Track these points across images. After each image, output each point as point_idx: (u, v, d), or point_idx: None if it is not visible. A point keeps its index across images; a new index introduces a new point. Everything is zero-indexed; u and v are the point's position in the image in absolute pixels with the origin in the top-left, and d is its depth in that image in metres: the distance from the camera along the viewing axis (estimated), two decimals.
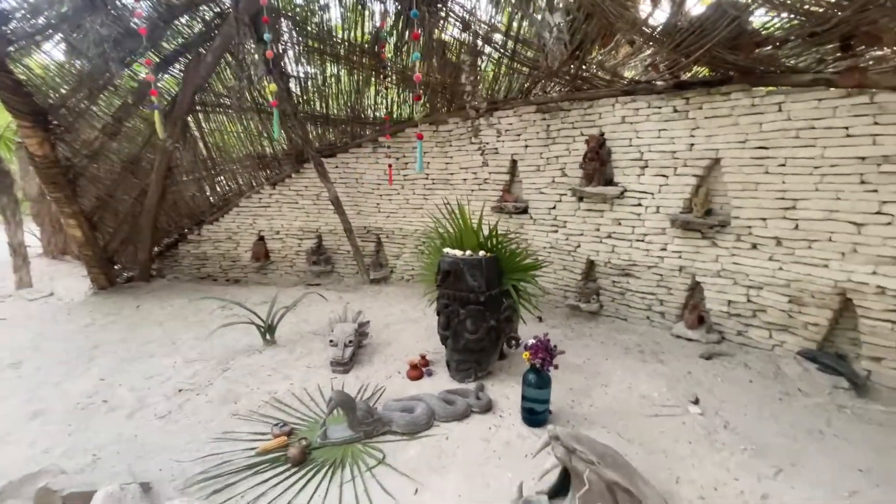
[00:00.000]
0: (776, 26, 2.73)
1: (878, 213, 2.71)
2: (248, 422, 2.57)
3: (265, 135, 5.21)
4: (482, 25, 3.81)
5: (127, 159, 4.89)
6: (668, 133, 3.54)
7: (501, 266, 2.94)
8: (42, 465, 1.97)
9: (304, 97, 5.01)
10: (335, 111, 5.16)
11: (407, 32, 4.07)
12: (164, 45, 4.15)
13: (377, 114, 5.17)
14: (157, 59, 4.15)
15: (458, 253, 2.92)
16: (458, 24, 3.75)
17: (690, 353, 3.36)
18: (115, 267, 5.57)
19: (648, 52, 3.39)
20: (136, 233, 5.42)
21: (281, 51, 4.47)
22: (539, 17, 2.15)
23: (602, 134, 3.86)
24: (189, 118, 4.87)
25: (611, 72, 3.62)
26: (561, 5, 2.05)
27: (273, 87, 2.88)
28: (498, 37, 3.97)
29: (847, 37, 2.51)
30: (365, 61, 4.65)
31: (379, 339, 3.77)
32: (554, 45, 2.08)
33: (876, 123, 2.66)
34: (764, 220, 3.17)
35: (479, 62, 3.89)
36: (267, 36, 2.75)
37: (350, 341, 3.27)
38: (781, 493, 1.95)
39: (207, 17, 4.10)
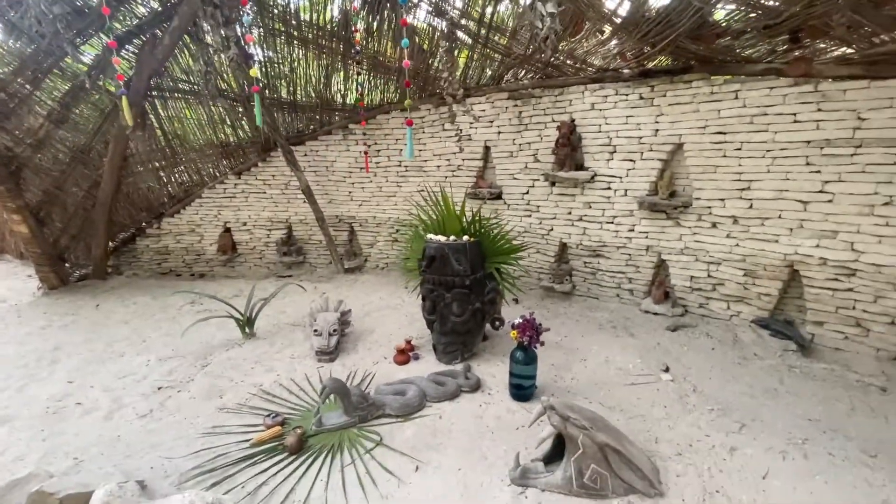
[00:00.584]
0: (734, 19, 2.92)
1: (820, 191, 3.00)
2: (238, 415, 2.54)
3: (228, 122, 5.00)
4: (455, 11, 3.82)
5: (76, 149, 4.55)
6: (634, 119, 3.71)
7: (484, 250, 3.02)
8: (17, 473, 1.87)
9: (270, 83, 4.83)
10: (302, 97, 5.01)
11: (378, 17, 4.00)
12: (117, 25, 3.87)
13: (347, 100, 5.07)
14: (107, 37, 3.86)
15: (442, 238, 2.97)
16: (431, 10, 3.73)
17: (658, 326, 3.61)
18: (67, 265, 5.21)
19: (616, 41, 3.53)
20: (88, 228, 5.09)
21: (244, 33, 4.28)
22: (531, 5, 2.18)
23: (573, 120, 3.99)
24: (145, 105, 4.59)
25: (580, 60, 3.73)
26: None
27: (254, 71, 2.78)
28: (470, 24, 3.98)
29: (796, 30, 2.73)
30: (332, 45, 4.54)
31: (361, 327, 3.78)
32: (548, 34, 2.13)
33: (819, 110, 2.92)
34: (722, 200, 3.42)
35: (454, 49, 3.89)
36: (247, 18, 2.64)
37: (334, 330, 3.26)
38: (746, 444, 2.17)
39: None
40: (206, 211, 5.49)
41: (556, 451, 2.00)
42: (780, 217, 3.19)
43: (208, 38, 3.59)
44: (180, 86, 4.74)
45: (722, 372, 2.89)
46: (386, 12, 3.88)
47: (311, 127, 5.25)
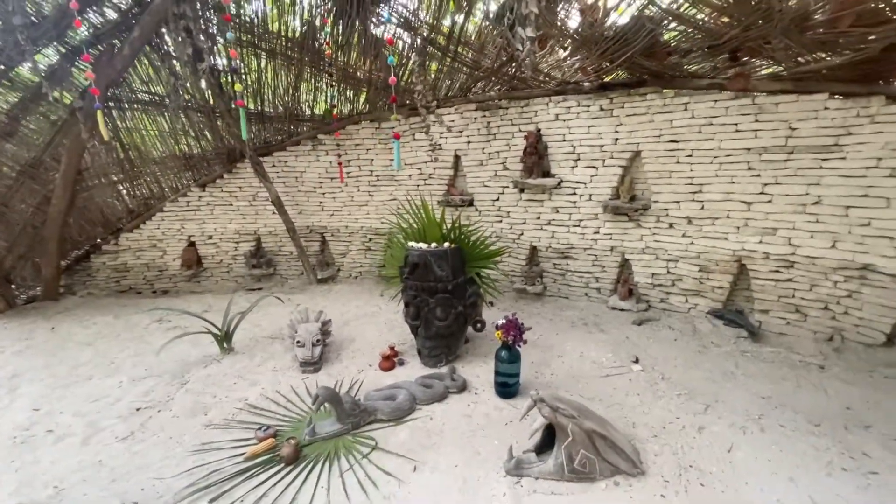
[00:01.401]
0: (682, 39, 3.23)
1: (761, 193, 3.35)
2: (226, 430, 2.51)
3: (192, 133, 4.87)
4: (425, 27, 3.95)
5: (26, 163, 4.29)
6: (596, 129, 3.98)
7: (464, 255, 3.14)
8: None
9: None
10: (270, 108, 4.96)
11: (348, 29, 4.07)
12: (72, 34, 3.70)
13: (315, 111, 5.08)
14: (64, 51, 3.70)
15: (423, 246, 3.06)
16: (401, 25, 3.84)
17: (625, 321, 3.86)
18: (13, 287, 4.86)
19: (577, 57, 3.78)
20: (37, 246, 4.78)
21: (210, 44, 4.21)
22: (511, 29, 2.34)
23: (539, 130, 4.21)
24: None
25: (544, 73, 3.96)
26: (533, 18, 2.25)
27: (238, 86, 2.76)
28: (440, 38, 4.12)
29: (735, 50, 3.06)
30: (299, 56, 4.54)
31: (341, 336, 3.79)
32: (528, 55, 2.29)
33: (757, 121, 3.27)
34: (677, 202, 3.73)
35: (425, 62, 4.02)
36: (230, 35, 2.64)
37: (317, 340, 3.27)
38: (711, 423, 2.40)
39: (124, 7, 3.73)
40: (169, 225, 5.29)
41: (546, 442, 2.14)
42: (727, 217, 3.53)
43: (172, 50, 3.51)
44: (139, 96, 4.58)
45: (685, 360, 3.15)
46: (356, 25, 3.95)
47: (279, 137, 5.21)
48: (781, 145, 3.20)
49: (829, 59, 2.82)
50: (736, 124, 3.35)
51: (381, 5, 3.74)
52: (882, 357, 2.98)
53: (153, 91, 4.60)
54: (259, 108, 4.92)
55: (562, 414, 2.01)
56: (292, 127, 5.15)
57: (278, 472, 2.14)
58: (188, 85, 4.15)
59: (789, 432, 2.29)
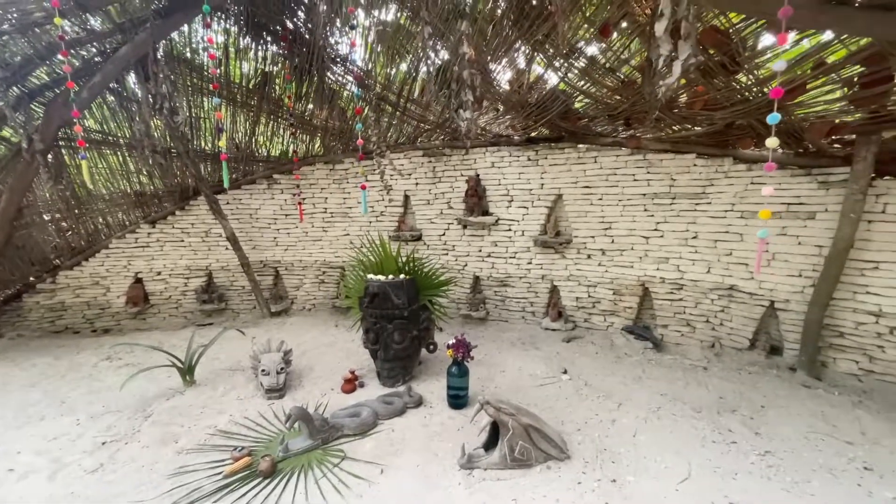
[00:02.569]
0: (588, 108, 4.03)
1: (655, 229, 4.16)
2: (201, 453, 2.69)
3: (144, 171, 4.96)
4: (377, 85, 4.50)
5: None
6: (525, 175, 4.68)
7: (418, 285, 3.58)
8: None
9: (195, 135, 4.97)
10: (227, 149, 5.20)
11: (306, 82, 4.51)
12: (34, 80, 3.79)
13: (271, 153, 5.39)
14: (22, 93, 3.77)
15: (382, 277, 3.47)
16: (356, 83, 4.35)
17: (556, 339, 4.46)
18: None
19: (508, 116, 4.49)
20: None
21: (169, 90, 4.45)
22: (455, 111, 2.93)
23: (478, 175, 4.84)
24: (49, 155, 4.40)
25: (482, 128, 4.63)
26: (470, 105, 2.86)
27: (223, 142, 3.06)
28: (390, 95, 4.68)
29: (628, 118, 3.89)
30: (257, 103, 4.89)
31: (300, 365, 4.02)
32: (469, 128, 2.86)
33: (648, 172, 4.11)
34: (593, 237, 4.47)
35: (379, 114, 4.54)
36: (216, 100, 2.96)
37: (281, 368, 3.50)
38: (622, 416, 2.98)
39: (86, 56, 3.91)
40: (114, 262, 5.23)
41: (492, 439, 2.58)
42: (632, 249, 4.30)
43: (138, 95, 3.73)
44: (91, 135, 4.65)
45: (603, 369, 3.77)
46: (314, 80, 4.40)
47: (235, 176, 5.42)
48: (667, 192, 4.05)
49: (693, 129, 3.71)
50: (633, 174, 4.18)
51: (338, 64, 4.25)
52: (747, 358, 3.79)
53: (106, 131, 4.69)
54: (215, 149, 5.14)
55: (503, 412, 2.47)
56: (249, 167, 5.40)
57: (258, 485, 2.38)
58: (147, 127, 4.32)
59: (678, 419, 2.92)
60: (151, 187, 5.15)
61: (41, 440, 2.89)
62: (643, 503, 2.17)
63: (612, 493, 2.24)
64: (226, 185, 3.00)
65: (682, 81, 3.07)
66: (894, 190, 3.07)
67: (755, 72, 2.91)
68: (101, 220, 5.14)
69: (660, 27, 1.60)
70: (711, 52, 2.82)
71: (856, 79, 2.68)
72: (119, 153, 4.84)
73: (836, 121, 3.00)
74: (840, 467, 2.39)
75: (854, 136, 3.01)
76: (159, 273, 5.38)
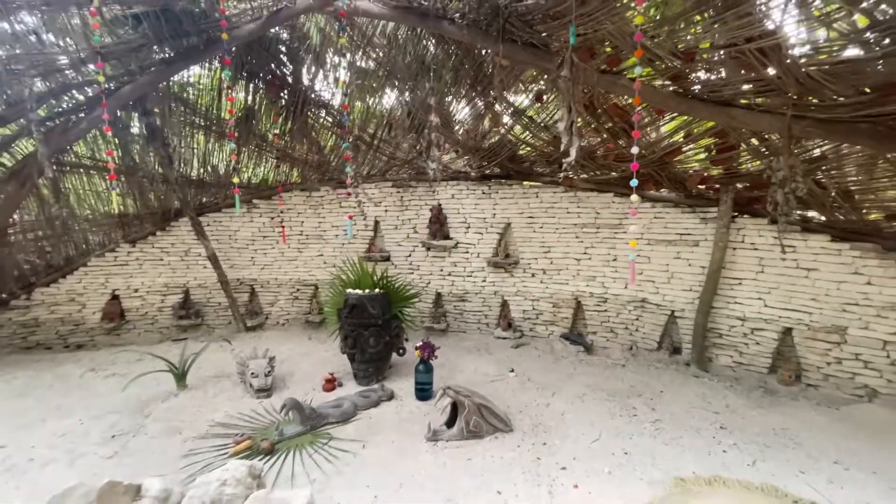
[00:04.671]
0: (531, 154, 4.94)
1: (584, 253, 5.08)
2: (205, 440, 3.15)
3: (132, 195, 5.33)
4: (355, 127, 5.21)
5: None
6: (480, 206, 5.50)
7: (390, 298, 4.23)
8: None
9: (181, 162, 5.42)
10: (210, 176, 5.68)
11: (290, 120, 5.15)
12: (41, 113, 4.16)
13: (253, 180, 5.91)
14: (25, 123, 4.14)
15: (359, 291, 4.10)
16: (334, 124, 5.04)
17: (505, 346, 5.22)
18: None
19: (466, 157, 5.33)
20: None
21: (161, 124, 4.94)
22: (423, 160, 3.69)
23: (440, 205, 5.61)
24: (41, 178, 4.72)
25: (444, 165, 5.43)
26: (436, 158, 3.63)
27: (236, 179, 3.59)
28: (365, 136, 5.41)
29: (559, 163, 4.82)
30: (240, 136, 5.44)
31: (281, 371, 4.49)
32: (435, 176, 3.64)
33: (578, 206, 5.05)
34: (536, 258, 5.33)
35: (356, 153, 5.23)
36: (231, 146, 3.52)
37: (268, 371, 4.01)
38: (555, 402, 3.73)
39: (91, 93, 4.34)
40: (92, 279, 5.47)
41: (451, 419, 3.25)
42: (567, 269, 5.19)
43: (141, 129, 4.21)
44: (82, 161, 5.00)
45: (543, 368, 4.55)
46: (299, 119, 5.06)
47: (216, 200, 5.87)
48: (593, 223, 4.99)
49: (610, 173, 4.69)
50: (567, 208, 5.10)
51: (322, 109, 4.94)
52: (655, 357, 4.71)
53: (97, 157, 5.06)
54: (200, 175, 5.60)
55: (461, 395, 3.16)
56: (227, 192, 5.87)
57: (261, 459, 2.90)
58: (142, 157, 4.76)
59: (597, 402, 3.72)
60: (135, 209, 5.49)
61: (51, 437, 3.23)
62: (564, 456, 2.91)
63: (542, 451, 2.97)
64: (237, 211, 3.54)
65: (597, 141, 4.03)
66: (749, 225, 4.13)
67: (646, 137, 3.90)
68: (82, 239, 5.40)
69: (561, 125, 2.44)
70: (615, 120, 3.78)
71: (712, 146, 3.72)
72: (107, 177, 5.19)
73: (705, 173, 4.04)
74: (705, 428, 3.26)
75: (718, 185, 4.05)
76: (137, 290, 5.66)
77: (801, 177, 2.92)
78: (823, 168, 3.58)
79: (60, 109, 4.31)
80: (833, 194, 3.62)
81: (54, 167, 4.80)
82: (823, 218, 3.90)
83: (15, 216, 4.82)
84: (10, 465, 2.86)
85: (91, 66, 3.91)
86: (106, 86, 4.15)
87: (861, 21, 2.30)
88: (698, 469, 2.74)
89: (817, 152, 3.52)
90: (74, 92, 4.24)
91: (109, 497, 2.14)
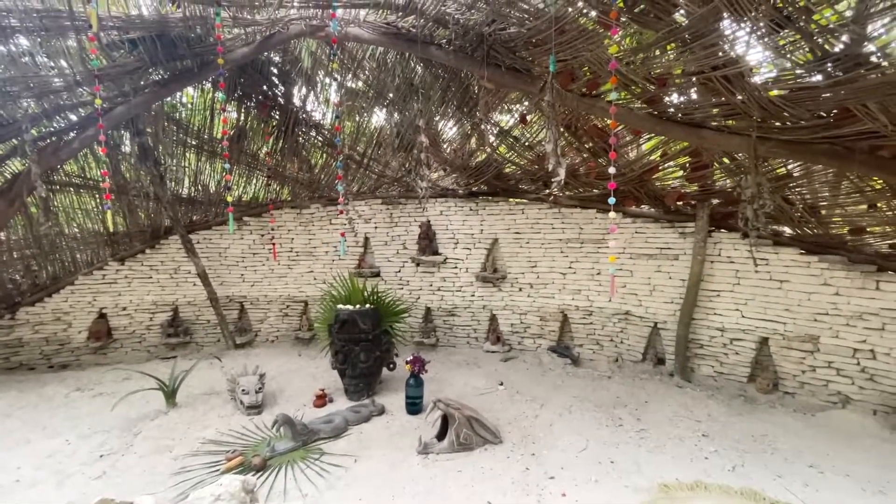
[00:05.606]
0: (516, 172, 5.11)
1: (570, 267, 5.23)
2: (196, 457, 3.15)
3: (122, 213, 5.35)
4: (346, 147, 5.34)
5: None
6: (468, 222, 5.64)
7: (380, 313, 4.30)
8: None
9: (173, 179, 5.48)
10: (200, 194, 5.73)
11: (282, 140, 5.26)
12: (34, 132, 4.20)
13: (243, 197, 5.98)
14: (17, 142, 4.17)
15: (350, 307, 4.16)
16: (325, 143, 5.16)
17: (494, 359, 5.29)
18: None
19: (454, 175, 5.49)
20: None
21: (153, 143, 5.01)
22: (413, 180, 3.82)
23: (429, 221, 5.73)
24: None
25: (432, 182, 5.57)
26: (427, 175, 3.77)
27: (230, 197, 3.67)
28: (355, 154, 5.54)
29: (546, 181, 5.00)
30: (233, 155, 5.52)
31: (271, 387, 4.50)
32: (425, 195, 3.77)
33: (563, 223, 5.21)
34: (523, 273, 5.46)
35: (346, 171, 5.34)
36: (226, 165, 3.60)
37: (259, 388, 4.02)
38: (543, 413, 3.81)
39: (83, 113, 4.41)
40: (79, 298, 5.43)
41: (442, 432, 3.30)
42: (553, 283, 5.32)
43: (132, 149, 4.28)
44: (72, 179, 5.03)
45: (532, 381, 4.63)
46: (290, 138, 5.17)
47: (206, 218, 5.91)
48: (577, 238, 5.15)
49: (592, 191, 4.87)
50: (552, 224, 5.26)
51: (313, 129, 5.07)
52: (640, 368, 4.83)
53: (87, 176, 5.09)
54: (191, 193, 5.65)
55: (451, 407, 3.22)
56: (220, 210, 5.92)
57: (253, 476, 2.91)
58: (133, 175, 4.80)
59: (584, 413, 3.81)
60: (124, 227, 5.50)
61: (37, 457, 3.20)
62: (552, 465, 2.99)
63: (531, 461, 3.04)
64: (231, 230, 3.60)
65: (579, 160, 4.22)
66: (725, 240, 4.32)
67: (625, 156, 4.10)
68: (69, 257, 5.38)
69: (549, 146, 2.60)
70: (595, 140, 3.96)
71: (687, 164, 3.92)
72: (97, 196, 5.22)
73: (683, 190, 4.24)
74: (687, 436, 3.37)
75: (694, 202, 4.25)
76: (125, 308, 5.62)
77: (769, 194, 3.11)
78: (790, 185, 3.80)
79: (52, 129, 4.35)
80: (800, 210, 3.83)
81: (45, 186, 4.83)
82: (792, 232, 4.11)
83: (1, 235, 4.80)
84: None
85: (85, 89, 4.00)
86: (99, 106, 4.24)
87: (808, 56, 2.52)
88: (681, 475, 2.83)
89: (784, 171, 3.75)
90: (67, 112, 4.29)
91: None
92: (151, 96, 4.35)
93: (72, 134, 4.52)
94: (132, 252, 5.64)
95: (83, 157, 4.96)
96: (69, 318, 5.42)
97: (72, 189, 5.06)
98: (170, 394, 3.98)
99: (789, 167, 3.68)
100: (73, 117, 4.41)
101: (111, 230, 4.05)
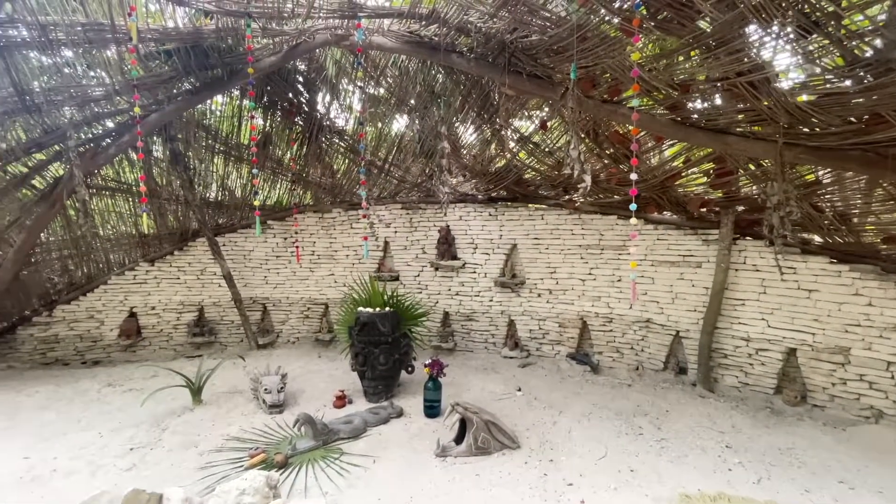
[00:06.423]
0: (536, 178, 5.12)
1: (589, 273, 5.19)
2: (221, 453, 3.24)
3: (153, 216, 5.56)
4: (368, 151, 5.44)
5: None
6: (487, 227, 5.66)
7: (400, 317, 4.35)
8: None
9: (201, 184, 5.67)
10: (227, 198, 5.92)
11: (307, 146, 5.40)
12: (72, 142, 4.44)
13: (268, 201, 6.14)
14: (60, 148, 4.40)
15: (370, 310, 4.23)
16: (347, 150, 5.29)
17: (513, 365, 5.28)
18: None
19: (473, 180, 5.53)
20: None
21: (183, 149, 5.21)
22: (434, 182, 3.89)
23: (448, 226, 5.77)
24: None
25: (452, 187, 5.63)
26: (448, 181, 3.83)
27: (257, 202, 3.81)
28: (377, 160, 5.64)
29: (565, 186, 4.99)
30: (260, 161, 5.69)
31: (292, 388, 4.59)
32: (446, 200, 3.84)
33: (583, 229, 5.19)
34: (542, 279, 5.44)
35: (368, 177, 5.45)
36: (254, 171, 3.74)
37: (281, 388, 4.11)
38: (561, 419, 3.79)
39: (121, 120, 4.62)
40: (111, 297, 5.66)
41: (460, 435, 3.32)
42: (572, 289, 5.29)
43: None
44: (109, 183, 5.27)
45: (550, 387, 4.60)
46: (313, 144, 5.31)
47: (232, 222, 6.09)
48: (597, 244, 5.11)
49: (613, 196, 4.84)
50: (571, 230, 5.24)
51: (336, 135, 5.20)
52: (662, 377, 4.76)
53: (121, 180, 5.32)
54: (218, 197, 5.84)
55: (469, 411, 3.24)
56: (245, 213, 6.09)
57: (276, 472, 2.98)
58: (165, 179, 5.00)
59: (603, 420, 3.77)
60: (154, 230, 5.72)
61: (72, 449, 3.34)
62: (571, 472, 2.97)
63: (549, 467, 3.03)
64: (258, 233, 3.73)
65: (599, 166, 4.21)
66: (750, 247, 4.23)
67: (647, 162, 4.06)
68: (103, 258, 5.62)
69: (574, 152, 2.62)
70: (616, 146, 3.95)
71: (711, 171, 3.87)
72: (130, 199, 5.44)
73: (706, 197, 4.18)
74: (710, 447, 3.30)
75: (718, 209, 4.19)
76: (153, 308, 5.83)
77: (797, 201, 3.05)
78: (819, 192, 3.71)
79: (91, 136, 4.57)
80: (830, 217, 3.73)
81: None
82: (822, 240, 4.00)
83: (42, 236, 5.04)
84: (35, 476, 2.97)
85: (123, 97, 4.20)
86: (138, 114, 4.44)
87: (838, 61, 2.47)
88: (703, 486, 2.78)
89: (812, 177, 3.66)
90: (105, 119, 4.51)
91: None
92: (183, 104, 4.54)
93: (108, 140, 4.78)
94: (161, 253, 5.85)
95: (118, 162, 5.18)
96: (102, 316, 5.65)
97: (107, 192, 5.28)
98: (196, 391, 4.11)
99: (818, 174, 3.59)
100: (110, 124, 4.62)
101: (146, 232, 4.24)
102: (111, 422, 3.81)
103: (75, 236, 5.28)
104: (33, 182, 4.69)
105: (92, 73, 4.35)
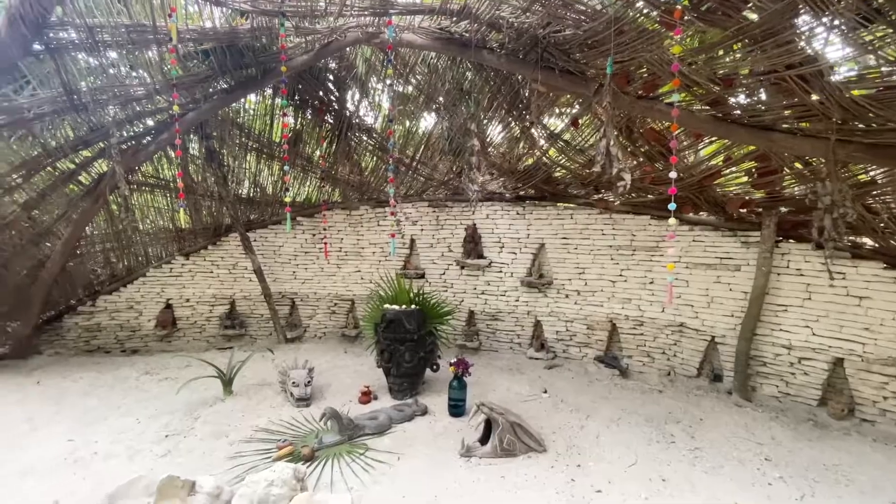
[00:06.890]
0: (566, 177, 5.01)
1: (620, 275, 5.05)
2: (250, 444, 3.32)
3: (188, 211, 5.75)
4: (396, 149, 5.46)
5: (35, 232, 4.88)
6: (514, 226, 5.59)
7: (426, 314, 4.35)
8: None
9: (234, 181, 5.83)
10: (258, 195, 6.06)
11: (336, 143, 5.47)
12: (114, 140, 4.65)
13: (298, 198, 6.26)
14: (104, 146, 4.61)
15: (396, 307, 4.24)
16: (376, 148, 5.32)
17: (538, 366, 5.20)
18: None
19: (502, 179, 5.46)
20: (20, 307, 5.16)
21: (218, 147, 5.35)
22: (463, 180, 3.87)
23: (474, 224, 5.73)
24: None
25: (479, 185, 5.57)
26: (477, 179, 3.81)
27: (288, 198, 3.90)
28: (405, 158, 5.65)
29: (596, 185, 4.86)
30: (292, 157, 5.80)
31: (318, 382, 4.65)
32: (475, 198, 3.82)
33: (614, 229, 5.04)
34: (570, 279, 5.33)
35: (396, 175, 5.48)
36: (285, 167, 3.83)
37: (308, 382, 4.17)
38: (589, 423, 3.69)
39: (160, 118, 4.80)
40: (149, 289, 5.88)
41: (485, 436, 3.28)
42: (602, 290, 5.16)
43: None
44: (149, 179, 5.48)
45: (577, 390, 4.50)
46: (343, 142, 5.37)
47: (263, 218, 6.23)
48: (628, 245, 4.97)
49: (647, 196, 4.69)
50: (602, 230, 5.11)
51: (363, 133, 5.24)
52: (695, 384, 4.58)
53: (159, 177, 5.53)
54: (250, 193, 5.98)
55: (495, 412, 3.20)
56: (275, 210, 6.22)
57: (303, 464, 3.02)
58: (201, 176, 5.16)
59: (633, 426, 3.66)
60: (189, 225, 5.91)
61: (112, 433, 3.49)
62: (599, 478, 2.89)
63: (576, 473, 2.96)
64: (288, 229, 3.80)
65: (634, 164, 4.08)
66: (794, 250, 4.01)
67: (684, 160, 3.91)
68: (142, 251, 5.85)
69: (613, 150, 2.54)
70: (652, 144, 3.81)
71: (753, 170, 3.68)
72: (168, 195, 5.64)
73: (747, 197, 3.98)
74: (748, 459, 3.15)
75: (760, 209, 3.98)
76: (188, 300, 6.03)
77: (850, 202, 2.86)
78: (874, 193, 3.47)
79: (132, 134, 4.75)
80: (886, 220, 3.49)
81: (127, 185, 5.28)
82: (875, 244, 3.75)
83: (86, 229, 5.29)
84: (77, 458, 3.11)
85: (162, 96, 4.34)
86: (177, 113, 4.60)
87: None
88: (741, 500, 2.65)
89: (865, 177, 3.43)
90: (146, 118, 4.68)
91: (168, 490, 2.32)
92: (219, 102, 4.67)
93: (148, 138, 4.96)
94: (196, 248, 6.03)
95: (157, 160, 5.38)
96: (140, 307, 5.88)
97: (146, 188, 5.49)
98: (227, 382, 4.22)
99: (872, 173, 3.36)
100: (150, 122, 4.79)
101: (177, 227, 4.40)
102: (148, 409, 3.96)
103: (117, 230, 5.52)
104: (79, 178, 4.91)
105: (134, 74, 4.53)
